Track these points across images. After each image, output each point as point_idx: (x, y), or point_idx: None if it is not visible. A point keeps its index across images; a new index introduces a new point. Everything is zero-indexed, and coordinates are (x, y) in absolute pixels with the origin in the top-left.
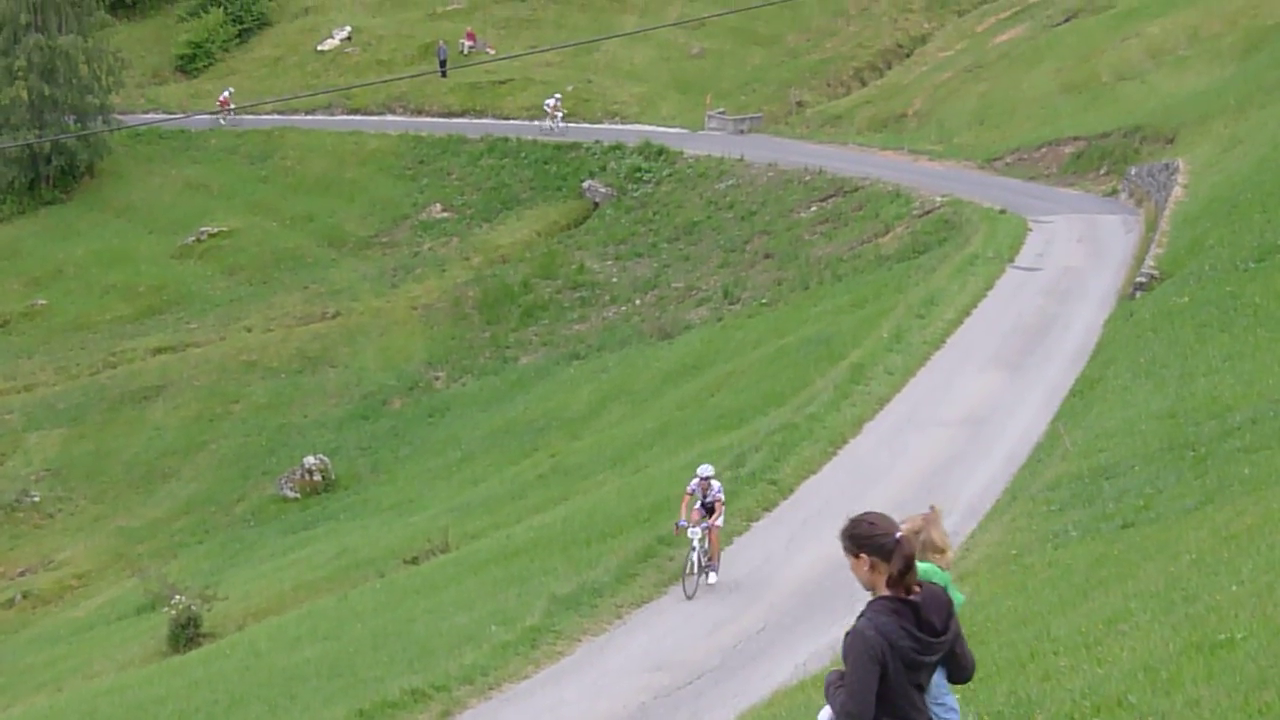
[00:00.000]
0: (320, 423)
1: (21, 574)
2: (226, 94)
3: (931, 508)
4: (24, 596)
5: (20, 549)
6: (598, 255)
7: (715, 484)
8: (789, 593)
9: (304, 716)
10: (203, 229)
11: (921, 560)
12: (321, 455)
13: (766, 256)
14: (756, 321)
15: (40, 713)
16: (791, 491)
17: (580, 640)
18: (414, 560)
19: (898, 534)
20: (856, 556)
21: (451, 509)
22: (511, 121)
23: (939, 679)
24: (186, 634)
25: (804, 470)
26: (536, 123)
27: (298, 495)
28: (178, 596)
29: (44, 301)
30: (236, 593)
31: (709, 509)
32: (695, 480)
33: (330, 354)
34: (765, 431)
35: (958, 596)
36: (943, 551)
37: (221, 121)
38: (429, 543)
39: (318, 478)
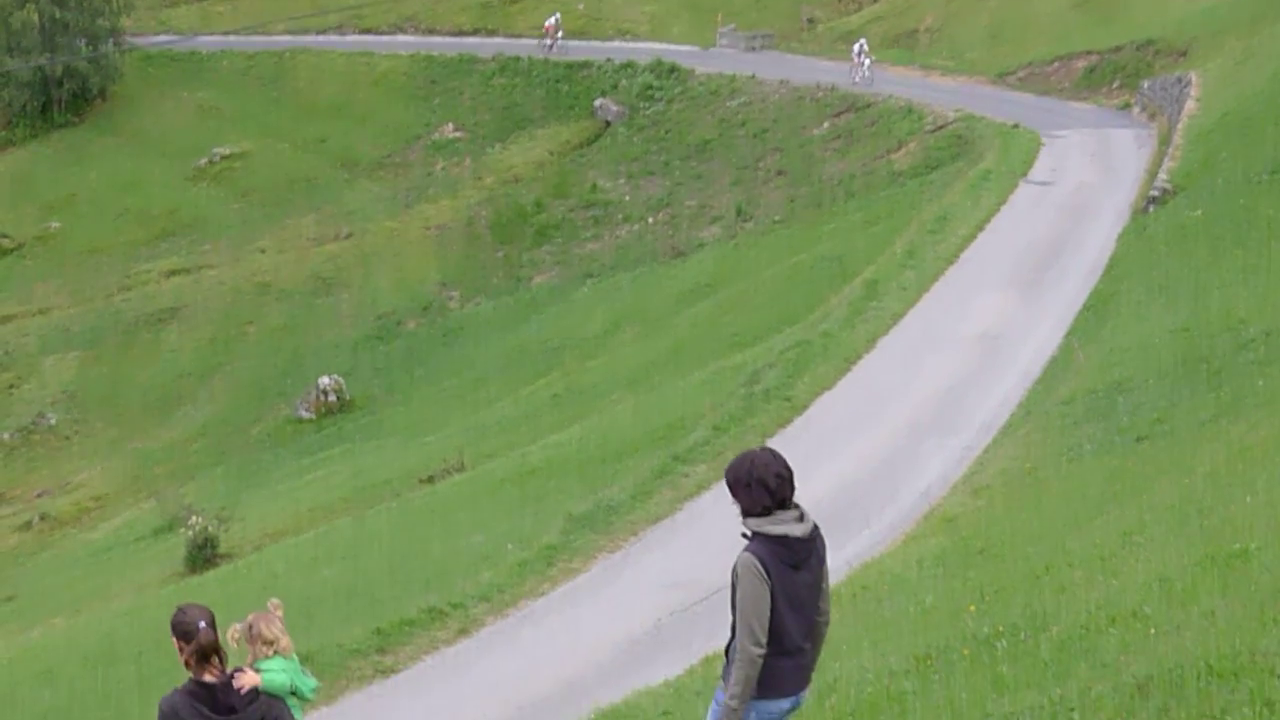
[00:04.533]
0: (335, 345)
1: (39, 496)
2: (553, 20)
3: (270, 604)
4: (42, 519)
5: (37, 472)
6: (610, 174)
7: None
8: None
9: (322, 636)
10: (215, 152)
11: (257, 652)
12: (336, 377)
13: (779, 174)
14: (770, 240)
15: (59, 635)
16: (806, 409)
17: (597, 558)
18: (430, 480)
19: (196, 625)
20: (175, 639)
21: (467, 430)
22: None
23: None
24: (204, 555)
25: (818, 387)
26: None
27: (313, 417)
28: (195, 518)
29: (57, 225)
30: (253, 514)
31: None
32: None
33: (344, 276)
34: (779, 349)
35: (307, 682)
36: (273, 643)
37: (550, 48)
38: (444, 463)
39: (333, 399)
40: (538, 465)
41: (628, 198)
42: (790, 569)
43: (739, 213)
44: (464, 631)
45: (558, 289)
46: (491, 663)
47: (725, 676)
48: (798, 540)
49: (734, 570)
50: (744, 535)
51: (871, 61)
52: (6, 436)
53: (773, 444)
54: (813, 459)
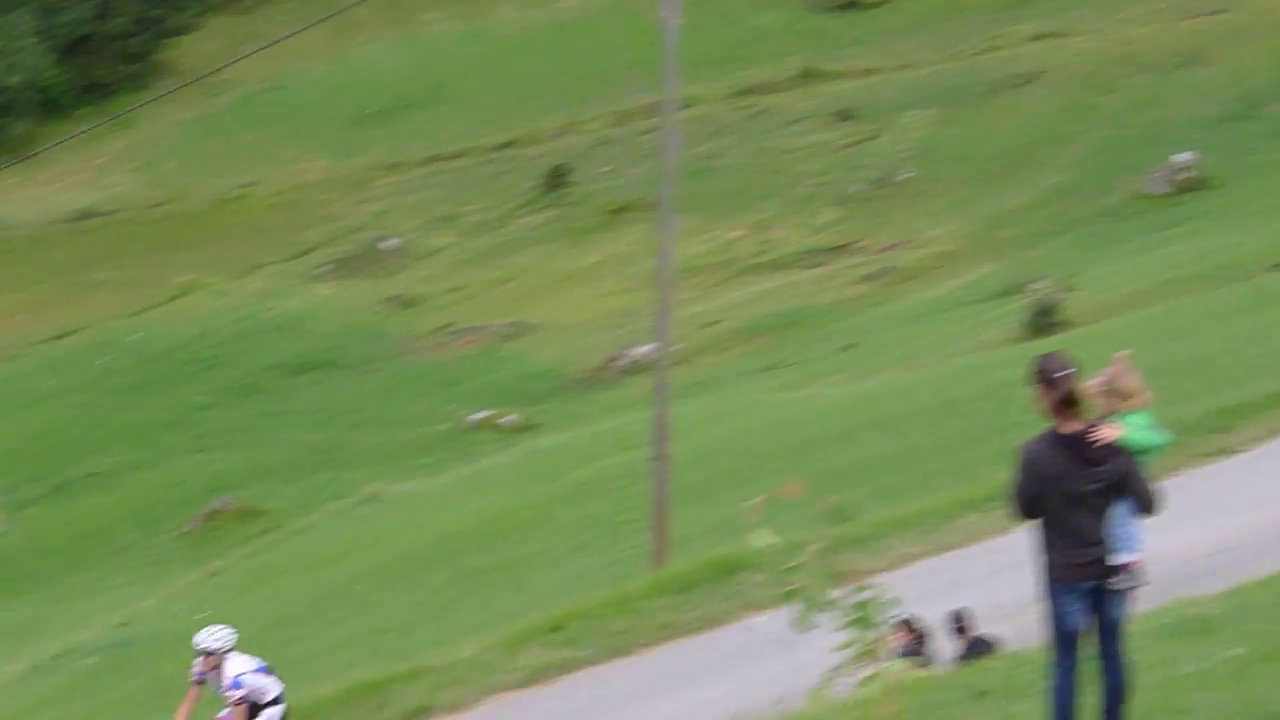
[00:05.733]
0: (1193, 121)
1: (886, 250)
2: None
3: (1121, 356)
4: (887, 272)
5: (886, 226)
6: None
7: (229, 669)
8: None
9: (1161, 411)
10: None
11: (1116, 406)
12: (1192, 153)
13: None
14: None
15: (897, 385)
16: None
17: None
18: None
19: (1060, 373)
20: (1035, 386)
21: None
22: None
23: (1123, 510)
24: (1043, 321)
25: None
26: None
27: (1166, 192)
28: (1038, 283)
29: None
30: (1095, 285)
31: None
32: (198, 661)
33: (1209, 52)
34: None
35: (1154, 438)
36: (1129, 397)
37: None
38: None
39: (1189, 175)
40: None
41: None
42: None
43: None
44: None
45: None
46: None
47: None
48: None
49: None
50: None
51: None
52: (859, 188)
53: None
54: None
